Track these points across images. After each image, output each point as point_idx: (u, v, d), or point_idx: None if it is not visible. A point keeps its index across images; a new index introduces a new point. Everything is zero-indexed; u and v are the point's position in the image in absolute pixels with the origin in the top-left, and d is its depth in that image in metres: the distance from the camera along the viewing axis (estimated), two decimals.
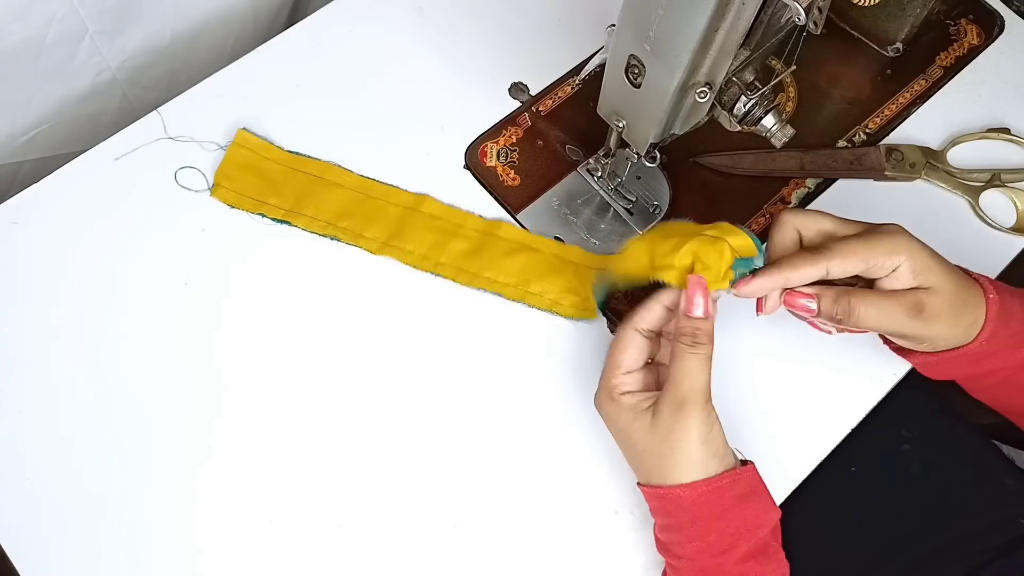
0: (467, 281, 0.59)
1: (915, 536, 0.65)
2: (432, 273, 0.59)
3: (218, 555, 0.53)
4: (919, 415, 0.70)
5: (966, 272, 0.50)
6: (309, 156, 0.62)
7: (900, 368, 0.59)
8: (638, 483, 0.49)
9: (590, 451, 0.56)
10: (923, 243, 0.49)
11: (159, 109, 0.63)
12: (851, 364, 0.58)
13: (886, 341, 0.54)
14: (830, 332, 0.51)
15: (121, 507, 0.53)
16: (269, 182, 0.61)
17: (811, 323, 0.51)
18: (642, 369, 0.50)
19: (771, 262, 0.49)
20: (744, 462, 0.48)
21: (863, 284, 0.50)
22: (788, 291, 0.49)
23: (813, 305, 0.48)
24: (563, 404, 0.57)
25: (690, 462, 0.46)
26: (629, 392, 0.48)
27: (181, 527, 0.53)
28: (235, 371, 0.57)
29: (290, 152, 0.62)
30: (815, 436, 0.57)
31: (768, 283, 0.47)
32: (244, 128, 0.62)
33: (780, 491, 0.55)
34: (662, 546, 0.49)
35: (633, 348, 0.49)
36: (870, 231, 0.49)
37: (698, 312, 0.46)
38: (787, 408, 0.57)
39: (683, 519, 0.47)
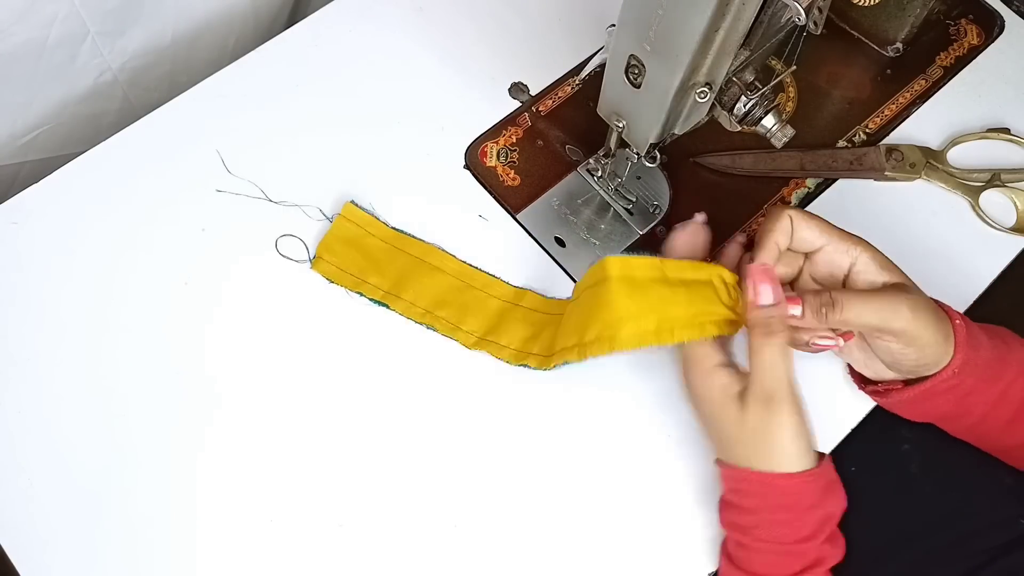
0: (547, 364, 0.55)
1: (915, 536, 0.65)
2: (523, 365, 0.56)
3: (218, 555, 0.53)
4: None
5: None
6: (412, 235, 0.60)
7: None
8: (717, 460, 0.49)
9: (590, 450, 0.56)
10: (924, 300, 0.49)
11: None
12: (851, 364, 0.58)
13: (857, 380, 0.55)
14: (837, 346, 0.51)
15: (121, 507, 0.53)
16: (371, 259, 0.58)
17: (814, 347, 0.51)
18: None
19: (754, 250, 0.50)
20: (820, 454, 0.49)
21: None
22: (754, 269, 0.49)
23: (798, 311, 0.47)
24: (563, 404, 0.57)
25: (785, 456, 0.46)
26: (722, 365, 0.47)
27: (181, 527, 0.53)
28: (235, 371, 0.57)
29: (394, 229, 0.60)
30: (815, 436, 0.57)
31: (763, 253, 0.49)
32: (352, 201, 0.60)
33: None
34: (735, 526, 0.49)
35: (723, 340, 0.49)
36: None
37: (766, 300, 0.46)
38: None
39: (771, 504, 0.46)
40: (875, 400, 0.55)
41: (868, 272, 0.49)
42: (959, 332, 0.49)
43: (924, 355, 0.49)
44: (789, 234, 0.50)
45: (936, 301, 0.50)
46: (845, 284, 0.50)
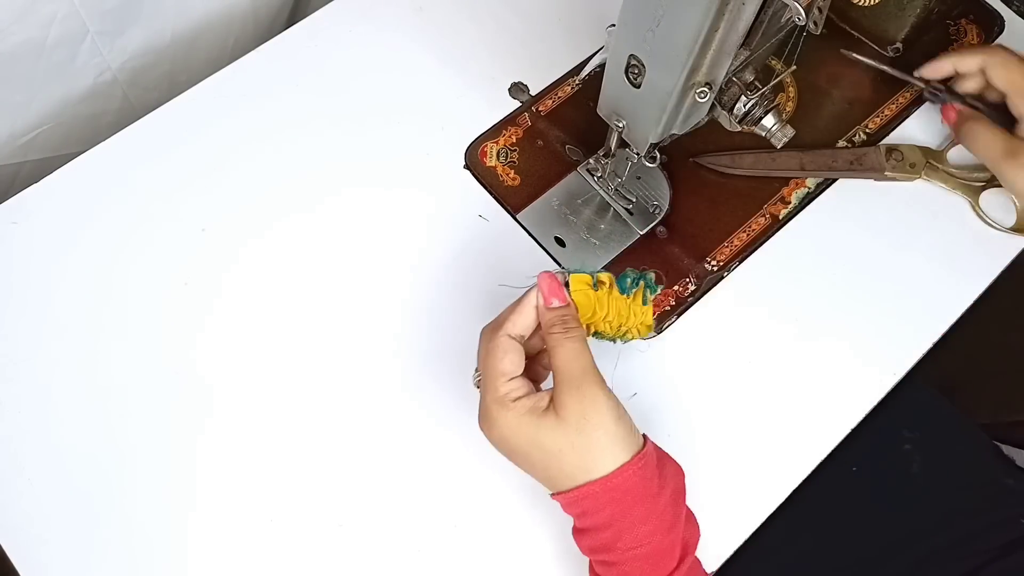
0: None
1: (915, 536, 0.65)
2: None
3: (218, 555, 0.53)
4: (919, 415, 0.70)
5: None
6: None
7: (900, 368, 0.59)
8: (553, 495, 0.45)
9: None
10: None
11: None
12: (852, 364, 0.58)
13: None
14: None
15: (121, 507, 0.53)
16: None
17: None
18: (521, 377, 0.46)
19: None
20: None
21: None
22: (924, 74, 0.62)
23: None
24: None
25: (613, 442, 0.43)
26: (522, 396, 0.45)
27: (181, 527, 0.53)
28: (235, 371, 0.57)
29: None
30: (815, 436, 0.57)
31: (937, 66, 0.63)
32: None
33: (780, 491, 0.55)
34: (597, 548, 0.45)
35: (512, 352, 0.46)
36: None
37: (556, 303, 0.46)
38: (787, 408, 0.57)
39: (624, 506, 0.43)
40: None
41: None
42: None
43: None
44: (976, 66, 0.61)
45: None
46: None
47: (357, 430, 0.56)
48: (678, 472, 0.47)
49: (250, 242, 0.61)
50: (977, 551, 0.64)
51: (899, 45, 0.68)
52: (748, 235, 0.62)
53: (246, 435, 0.55)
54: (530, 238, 0.62)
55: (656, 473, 0.44)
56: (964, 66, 0.62)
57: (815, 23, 0.57)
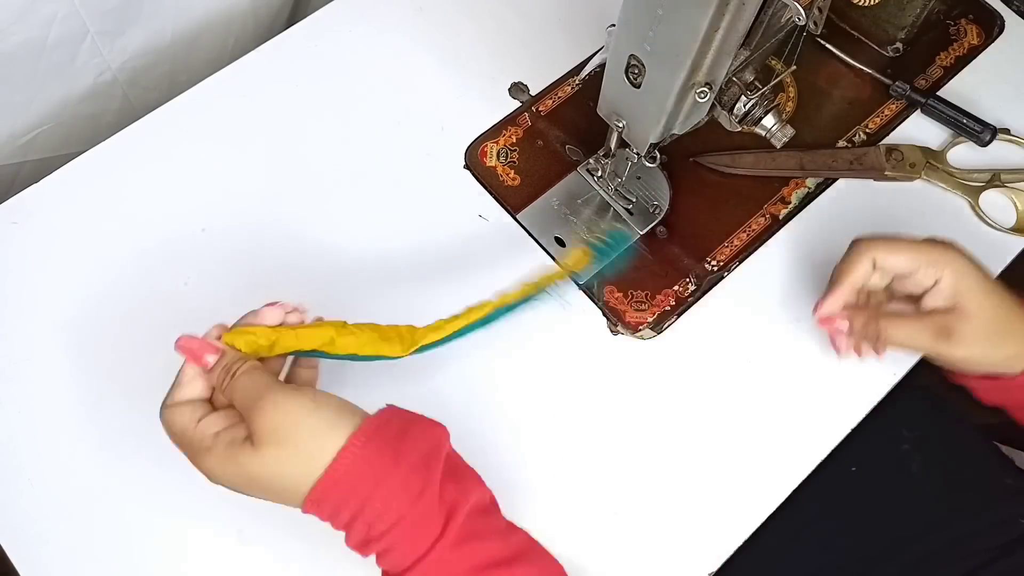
0: None
1: (915, 536, 0.65)
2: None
3: (218, 555, 0.53)
4: (919, 415, 0.70)
5: None
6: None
7: (900, 368, 0.59)
8: (304, 511, 0.43)
9: (590, 450, 0.56)
10: (976, 266, 0.50)
11: None
12: (851, 364, 0.58)
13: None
14: (858, 355, 0.54)
15: (121, 507, 0.53)
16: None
17: (836, 345, 0.54)
18: (216, 412, 0.45)
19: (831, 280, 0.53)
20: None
21: (906, 300, 0.53)
22: (822, 317, 0.53)
23: (845, 326, 0.52)
24: (563, 403, 0.57)
25: (316, 435, 0.41)
26: (221, 431, 0.43)
27: (181, 527, 0.53)
28: None
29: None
30: (815, 436, 0.57)
31: (834, 301, 0.52)
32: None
33: (780, 491, 0.55)
34: (362, 545, 0.42)
35: (184, 408, 0.44)
36: (925, 241, 0.51)
37: (211, 358, 0.44)
38: (787, 408, 0.57)
39: (364, 491, 0.41)
40: (951, 380, 0.55)
41: (941, 295, 0.50)
42: None
43: (983, 369, 0.51)
44: (870, 274, 0.52)
45: None
46: (919, 301, 0.52)
47: None
48: (430, 435, 0.44)
49: (250, 242, 0.60)
50: (977, 551, 0.64)
51: (899, 45, 0.68)
52: (748, 235, 0.62)
53: None
54: (530, 238, 0.62)
55: (388, 446, 0.42)
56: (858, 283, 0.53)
57: (815, 23, 0.57)
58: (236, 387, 0.43)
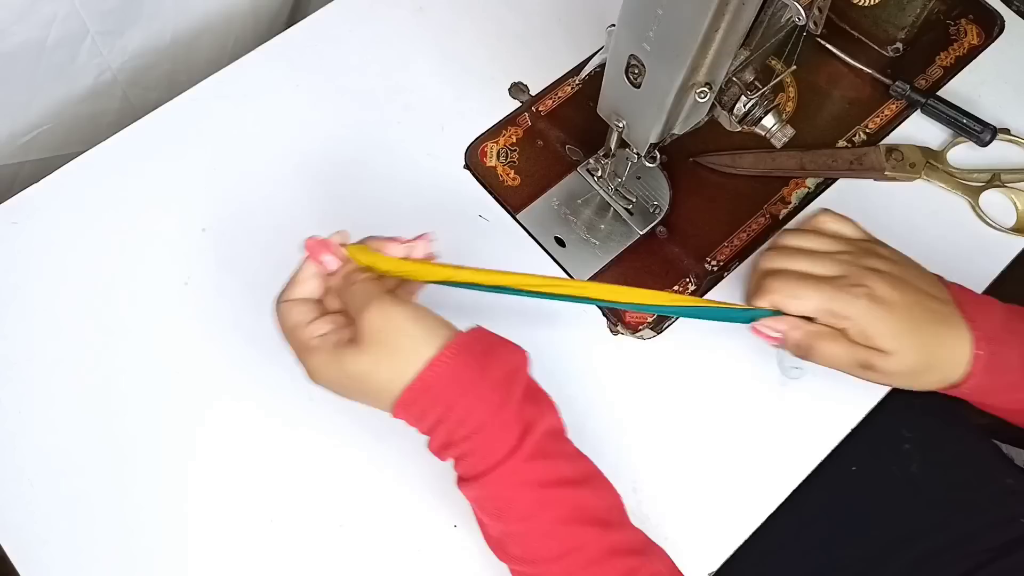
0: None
1: (915, 536, 0.65)
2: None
3: (218, 555, 0.53)
4: (919, 415, 0.70)
5: (968, 308, 0.51)
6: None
7: None
8: (394, 415, 0.46)
9: (589, 450, 0.56)
10: (890, 309, 0.50)
11: None
12: None
13: None
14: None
15: (121, 507, 0.53)
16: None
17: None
18: (323, 318, 0.48)
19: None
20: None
21: None
22: (753, 328, 0.53)
23: (778, 336, 0.53)
24: (562, 403, 0.57)
25: (416, 343, 0.45)
26: (326, 333, 0.47)
27: (181, 527, 0.53)
28: (235, 370, 0.57)
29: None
30: (815, 435, 0.57)
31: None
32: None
33: (780, 491, 0.55)
34: (443, 448, 0.46)
35: (297, 305, 0.48)
36: (830, 287, 0.51)
37: (333, 267, 0.48)
38: (788, 407, 0.57)
39: (449, 397, 0.44)
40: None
41: (858, 336, 0.51)
42: (978, 362, 0.50)
43: (914, 388, 0.52)
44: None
45: (970, 317, 0.51)
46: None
47: (358, 430, 0.56)
48: (514, 357, 0.47)
49: (250, 242, 0.61)
50: (977, 550, 0.64)
51: (899, 45, 0.68)
52: (748, 235, 0.62)
53: (246, 435, 0.55)
54: (530, 238, 0.62)
55: (475, 360, 0.45)
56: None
57: (815, 23, 0.57)
58: (352, 292, 0.47)
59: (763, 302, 0.53)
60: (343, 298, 0.48)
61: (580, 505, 0.46)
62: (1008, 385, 0.51)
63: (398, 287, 0.51)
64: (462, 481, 0.46)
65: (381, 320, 0.45)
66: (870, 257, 0.53)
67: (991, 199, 0.63)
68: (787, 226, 0.63)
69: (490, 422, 0.44)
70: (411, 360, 0.45)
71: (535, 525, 0.45)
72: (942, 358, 0.51)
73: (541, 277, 0.52)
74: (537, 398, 0.48)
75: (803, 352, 0.52)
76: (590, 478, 0.48)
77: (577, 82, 0.66)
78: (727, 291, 0.61)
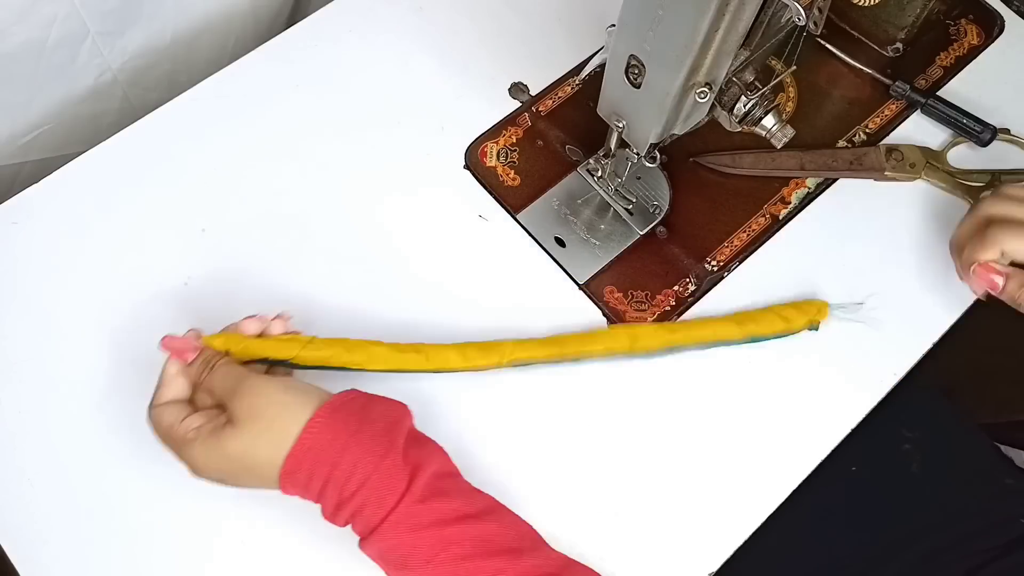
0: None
1: (915, 536, 0.65)
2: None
3: (218, 555, 0.53)
4: (919, 415, 0.70)
5: None
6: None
7: (900, 368, 0.59)
8: (282, 489, 0.46)
9: (590, 451, 0.56)
10: None
11: None
12: (852, 364, 0.58)
13: None
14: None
15: (121, 507, 0.53)
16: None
17: (975, 289, 0.54)
18: (198, 413, 0.48)
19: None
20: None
21: None
22: (981, 265, 0.52)
23: (1000, 282, 0.51)
24: (553, 403, 0.57)
25: (288, 411, 0.45)
26: (201, 424, 0.46)
27: (181, 527, 0.53)
28: None
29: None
30: (815, 436, 0.57)
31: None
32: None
33: (780, 491, 0.55)
34: (335, 513, 0.45)
35: (169, 407, 0.47)
36: None
37: (190, 358, 0.48)
38: (788, 407, 0.57)
39: (330, 458, 0.44)
40: None
41: None
42: None
43: None
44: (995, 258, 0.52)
45: None
46: None
47: None
48: (392, 410, 0.48)
49: (250, 242, 0.61)
50: (977, 550, 0.64)
51: (899, 45, 0.68)
52: (748, 235, 0.62)
53: None
54: (530, 238, 0.62)
55: (353, 416, 0.45)
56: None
57: (815, 23, 0.57)
58: (215, 377, 0.47)
59: (990, 252, 0.51)
60: (209, 385, 0.48)
61: (484, 538, 0.45)
62: None
63: (267, 371, 0.51)
64: (363, 542, 0.45)
65: (251, 396, 0.45)
66: None
67: None
68: None
69: (375, 470, 0.44)
70: (289, 428, 0.44)
71: (441, 565, 0.44)
72: None
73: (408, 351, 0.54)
74: (423, 442, 0.48)
75: (1020, 303, 0.51)
76: (491, 510, 0.47)
77: (577, 82, 0.66)
78: (727, 290, 0.61)
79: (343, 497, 0.44)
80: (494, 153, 0.64)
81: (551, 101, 0.66)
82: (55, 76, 0.67)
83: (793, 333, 0.58)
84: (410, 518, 0.44)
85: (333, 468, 0.44)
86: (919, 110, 0.66)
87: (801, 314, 0.58)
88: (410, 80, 0.67)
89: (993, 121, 0.64)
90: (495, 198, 0.63)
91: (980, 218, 0.54)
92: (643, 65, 0.47)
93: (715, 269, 0.61)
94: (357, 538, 0.46)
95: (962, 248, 0.54)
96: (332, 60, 0.67)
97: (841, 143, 0.66)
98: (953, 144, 0.65)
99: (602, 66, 0.52)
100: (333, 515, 0.45)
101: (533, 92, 0.66)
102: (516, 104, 0.66)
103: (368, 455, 0.44)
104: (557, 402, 0.57)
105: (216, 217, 0.61)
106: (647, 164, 0.56)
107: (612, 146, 0.58)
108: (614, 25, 0.47)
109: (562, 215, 0.62)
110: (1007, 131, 0.65)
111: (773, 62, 0.53)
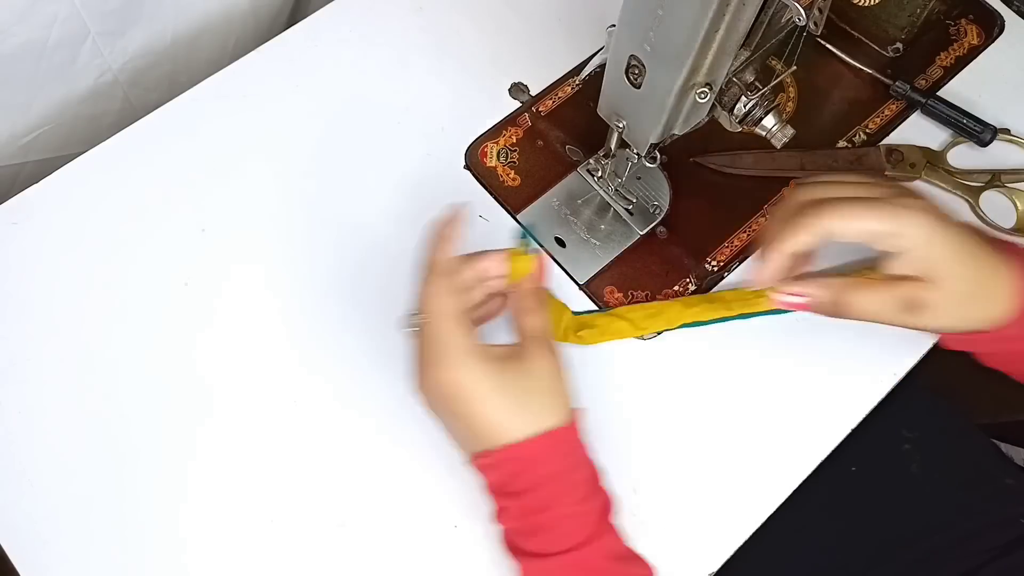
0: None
1: (915, 536, 0.65)
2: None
3: (218, 555, 0.53)
4: (919, 415, 0.70)
5: (1012, 248, 0.48)
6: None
7: (900, 368, 0.59)
8: (477, 457, 0.45)
9: (590, 450, 0.56)
10: (947, 227, 0.45)
11: None
12: (851, 364, 0.58)
13: None
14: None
15: (121, 507, 0.53)
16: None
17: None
18: None
19: (769, 240, 0.47)
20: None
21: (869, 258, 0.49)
22: (776, 291, 0.49)
23: (800, 301, 0.49)
24: None
25: (558, 399, 0.46)
26: (488, 344, 0.46)
27: (181, 527, 0.53)
28: (235, 371, 0.57)
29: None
30: (815, 436, 0.57)
31: (771, 270, 0.48)
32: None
33: (780, 491, 0.55)
34: (526, 512, 0.45)
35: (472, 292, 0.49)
36: (893, 198, 0.45)
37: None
38: (787, 408, 0.57)
39: (565, 466, 0.45)
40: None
41: (903, 264, 0.45)
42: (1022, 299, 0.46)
43: (953, 331, 0.49)
44: (814, 244, 0.46)
45: (1017, 254, 0.47)
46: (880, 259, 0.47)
47: (358, 430, 0.56)
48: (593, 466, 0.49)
49: (250, 242, 0.61)
50: (977, 550, 0.64)
51: (899, 45, 0.68)
52: (748, 235, 0.62)
53: (246, 435, 0.55)
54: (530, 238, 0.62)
55: (573, 451, 0.47)
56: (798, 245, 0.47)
57: (815, 23, 0.57)
58: (540, 312, 0.49)
59: (807, 234, 0.45)
60: (525, 307, 0.48)
61: None
62: None
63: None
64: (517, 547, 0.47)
65: (549, 364, 0.46)
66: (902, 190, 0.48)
67: (991, 199, 0.63)
68: None
69: (582, 509, 0.45)
70: (551, 411, 0.45)
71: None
72: (989, 287, 0.46)
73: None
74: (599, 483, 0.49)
75: (838, 310, 0.47)
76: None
77: (577, 82, 0.67)
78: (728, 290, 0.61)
79: (546, 510, 0.45)
80: (494, 153, 0.64)
81: (551, 101, 0.66)
82: (55, 76, 0.67)
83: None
84: (586, 564, 0.45)
85: (558, 478, 0.45)
86: (919, 110, 0.66)
87: None
88: (410, 80, 0.67)
89: (993, 121, 0.64)
90: (495, 198, 0.63)
91: (792, 207, 0.48)
92: (643, 65, 0.47)
93: (715, 269, 0.61)
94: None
95: (773, 239, 0.47)
96: (332, 60, 0.67)
97: (841, 143, 0.66)
98: (953, 144, 0.65)
99: (602, 66, 0.52)
100: (519, 512, 0.46)
101: (533, 92, 0.66)
102: (516, 104, 0.66)
103: (585, 490, 0.46)
104: None
105: (216, 217, 0.61)
106: (647, 164, 0.56)
107: (612, 146, 0.58)
108: (614, 25, 0.47)
109: (562, 215, 0.62)
110: (1007, 131, 0.65)
111: (773, 62, 0.53)
